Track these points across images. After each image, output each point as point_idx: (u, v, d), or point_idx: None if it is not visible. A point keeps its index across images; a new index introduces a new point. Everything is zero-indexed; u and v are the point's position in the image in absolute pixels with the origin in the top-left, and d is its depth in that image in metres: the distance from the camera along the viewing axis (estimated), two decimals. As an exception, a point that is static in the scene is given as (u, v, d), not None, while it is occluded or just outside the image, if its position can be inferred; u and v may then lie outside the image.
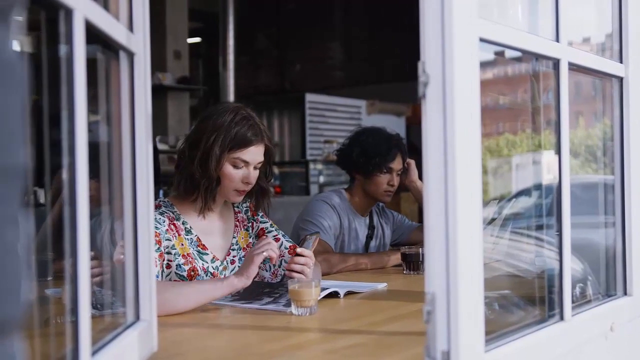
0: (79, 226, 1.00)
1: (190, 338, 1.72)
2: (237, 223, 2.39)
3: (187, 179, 2.22)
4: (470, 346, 1.18)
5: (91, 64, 1.07)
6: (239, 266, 2.31)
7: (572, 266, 1.56)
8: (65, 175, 1.00)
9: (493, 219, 1.96)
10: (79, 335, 0.99)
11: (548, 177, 1.90)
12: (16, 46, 0.58)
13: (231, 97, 9.00)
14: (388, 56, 9.49)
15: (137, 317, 1.37)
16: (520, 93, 2.04)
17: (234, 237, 2.37)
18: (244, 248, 2.37)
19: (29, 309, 0.60)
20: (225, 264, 2.30)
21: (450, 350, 1.16)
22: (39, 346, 1.11)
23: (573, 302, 1.54)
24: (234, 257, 2.34)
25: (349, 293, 2.21)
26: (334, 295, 2.13)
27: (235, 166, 2.21)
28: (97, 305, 1.36)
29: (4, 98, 0.53)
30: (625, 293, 1.80)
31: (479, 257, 1.22)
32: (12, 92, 0.54)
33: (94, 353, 1.07)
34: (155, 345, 1.42)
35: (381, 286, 2.37)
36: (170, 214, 2.22)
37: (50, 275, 1.52)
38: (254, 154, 2.22)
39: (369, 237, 3.15)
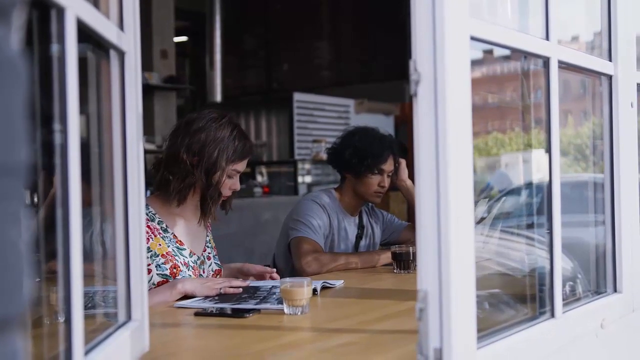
0: (72, 226, 0.99)
1: (181, 338, 1.72)
2: (208, 224, 2.50)
3: (188, 187, 2.27)
4: (462, 343, 1.18)
5: (81, 63, 1.07)
6: (215, 262, 2.45)
7: (562, 264, 1.57)
8: (57, 176, 1.00)
9: (482, 218, 1.97)
10: (72, 335, 0.99)
11: (537, 176, 1.91)
12: (17, 45, 0.58)
13: (218, 97, 8.97)
14: (376, 55, 9.52)
15: (129, 317, 1.36)
16: (509, 92, 2.05)
17: (207, 236, 2.47)
18: (214, 247, 2.50)
19: (30, 307, 0.60)
20: (203, 258, 2.40)
21: (442, 347, 1.16)
22: (30, 347, 1.10)
23: (563, 299, 1.54)
24: (209, 253, 2.45)
25: (324, 288, 2.26)
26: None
27: (230, 176, 2.31)
28: (87, 305, 1.35)
29: (6, 96, 0.53)
30: (615, 290, 1.81)
31: (471, 254, 1.22)
32: (15, 90, 0.55)
33: (86, 353, 1.06)
34: (146, 345, 1.42)
35: (338, 283, 2.39)
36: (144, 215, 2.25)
37: (38, 277, 1.51)
38: (245, 164, 2.36)
39: (359, 237, 3.15)
